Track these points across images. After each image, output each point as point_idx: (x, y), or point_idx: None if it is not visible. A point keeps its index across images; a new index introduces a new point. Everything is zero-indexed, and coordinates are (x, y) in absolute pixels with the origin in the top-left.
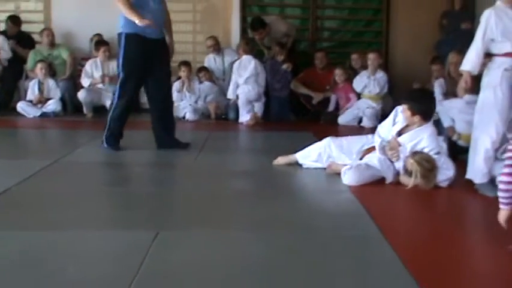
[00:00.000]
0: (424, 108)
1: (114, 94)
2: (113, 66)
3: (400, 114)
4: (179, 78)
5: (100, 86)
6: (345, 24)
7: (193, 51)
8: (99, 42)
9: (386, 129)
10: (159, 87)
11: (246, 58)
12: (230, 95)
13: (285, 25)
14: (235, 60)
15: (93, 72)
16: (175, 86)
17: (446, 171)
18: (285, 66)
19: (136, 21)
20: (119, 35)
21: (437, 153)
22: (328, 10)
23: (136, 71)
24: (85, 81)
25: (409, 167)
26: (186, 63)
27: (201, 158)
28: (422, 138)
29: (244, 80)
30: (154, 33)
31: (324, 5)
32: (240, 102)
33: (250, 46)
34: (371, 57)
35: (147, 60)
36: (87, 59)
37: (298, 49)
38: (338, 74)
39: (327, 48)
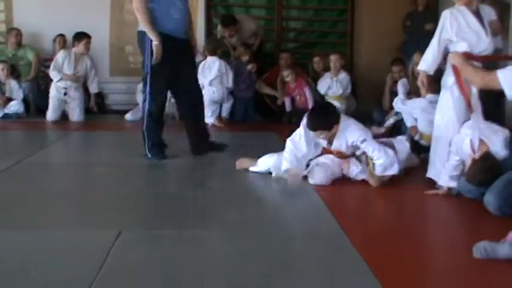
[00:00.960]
0: (330, 120)
1: (144, 101)
2: (87, 64)
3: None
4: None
5: (68, 84)
6: (310, 25)
7: None
8: (81, 34)
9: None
10: (189, 91)
11: (211, 59)
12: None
13: (254, 23)
14: (201, 62)
15: (64, 65)
16: (140, 87)
17: (377, 160)
18: (249, 67)
19: (154, 41)
20: (141, 33)
21: (363, 140)
22: (293, 11)
23: (164, 72)
24: (54, 75)
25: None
26: None
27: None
28: (348, 136)
29: (209, 81)
30: (180, 33)
31: (289, 5)
32: (205, 104)
33: (213, 46)
34: (333, 58)
35: (173, 60)
36: (50, 60)
37: (264, 50)
38: (285, 74)
39: (292, 49)
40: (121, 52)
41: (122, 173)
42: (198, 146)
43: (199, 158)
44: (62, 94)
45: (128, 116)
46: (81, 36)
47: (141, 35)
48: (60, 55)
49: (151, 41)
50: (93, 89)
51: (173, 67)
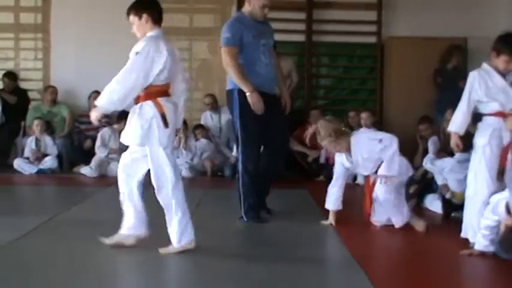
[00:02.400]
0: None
1: (238, 160)
2: None
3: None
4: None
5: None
6: (340, 82)
7: (190, 108)
8: (123, 113)
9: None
10: (276, 149)
11: None
12: (235, 152)
13: (289, 63)
14: None
15: (110, 141)
16: None
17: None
18: None
19: (247, 93)
20: (229, 92)
21: (380, 140)
22: (323, 68)
23: (257, 130)
24: (102, 150)
25: None
26: (182, 121)
27: (195, 216)
28: (361, 147)
29: None
30: (267, 88)
31: (319, 63)
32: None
33: None
34: (363, 116)
35: (262, 116)
36: (85, 116)
37: (294, 107)
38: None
39: (322, 106)
40: None
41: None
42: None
43: (219, 215)
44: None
45: None
46: (122, 117)
47: (230, 93)
48: (105, 132)
49: (239, 97)
50: None
51: (262, 123)
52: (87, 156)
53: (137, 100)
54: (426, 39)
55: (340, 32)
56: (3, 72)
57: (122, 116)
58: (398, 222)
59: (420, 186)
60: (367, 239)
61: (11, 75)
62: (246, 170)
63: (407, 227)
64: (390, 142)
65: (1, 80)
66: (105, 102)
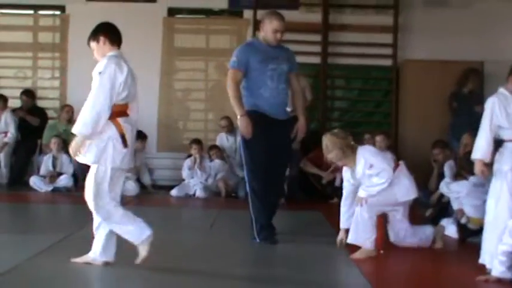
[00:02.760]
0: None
1: (246, 181)
2: (143, 159)
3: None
4: (190, 155)
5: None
6: (355, 104)
7: (205, 129)
8: (140, 133)
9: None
10: (276, 169)
11: None
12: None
13: (303, 81)
14: None
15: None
16: (187, 163)
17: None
18: (293, 146)
19: (238, 116)
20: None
21: (371, 166)
22: (338, 90)
23: (261, 151)
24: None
25: None
26: (197, 142)
27: (208, 237)
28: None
29: None
30: (272, 112)
31: (334, 85)
32: None
33: None
34: (378, 139)
35: (265, 138)
36: None
37: (308, 128)
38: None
39: (336, 128)
40: (168, 128)
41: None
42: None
43: (232, 236)
44: None
45: (174, 192)
46: (137, 136)
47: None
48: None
49: None
50: (146, 181)
51: (265, 144)
52: None
53: None
54: (442, 63)
55: (356, 54)
56: (21, 90)
57: (137, 136)
58: (413, 243)
59: (435, 210)
60: (381, 262)
61: (29, 94)
62: (253, 190)
63: (423, 250)
64: (380, 172)
65: (19, 98)
66: (80, 128)
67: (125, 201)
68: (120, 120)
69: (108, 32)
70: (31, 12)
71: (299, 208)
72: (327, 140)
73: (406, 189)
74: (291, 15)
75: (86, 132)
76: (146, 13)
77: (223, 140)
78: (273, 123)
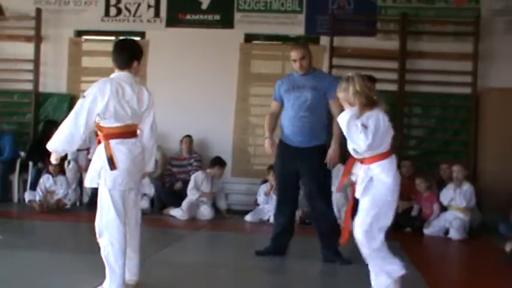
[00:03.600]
0: None
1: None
2: (220, 184)
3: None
4: (265, 181)
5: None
6: (432, 133)
7: None
8: (216, 159)
9: None
10: (310, 201)
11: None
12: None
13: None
14: None
15: (203, 184)
16: (262, 188)
17: None
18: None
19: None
20: (323, 147)
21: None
22: (415, 118)
23: (278, 176)
24: (193, 193)
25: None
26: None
27: (281, 263)
28: None
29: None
30: (292, 140)
31: (411, 113)
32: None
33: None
34: (455, 169)
35: (284, 166)
36: (176, 159)
37: None
38: (418, 183)
39: (413, 157)
40: (243, 153)
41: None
42: (322, 251)
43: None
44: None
45: (248, 217)
46: (216, 162)
47: None
48: (199, 176)
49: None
50: (221, 206)
51: (280, 170)
52: (177, 198)
53: (98, 142)
54: None
55: (434, 82)
56: None
57: (215, 161)
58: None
59: None
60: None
61: None
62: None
63: None
64: (367, 134)
65: None
66: (53, 143)
67: (200, 226)
68: (112, 142)
69: (117, 56)
70: (113, 38)
71: None
72: (353, 77)
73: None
74: (368, 42)
75: (59, 150)
76: (223, 39)
77: None
78: (292, 150)
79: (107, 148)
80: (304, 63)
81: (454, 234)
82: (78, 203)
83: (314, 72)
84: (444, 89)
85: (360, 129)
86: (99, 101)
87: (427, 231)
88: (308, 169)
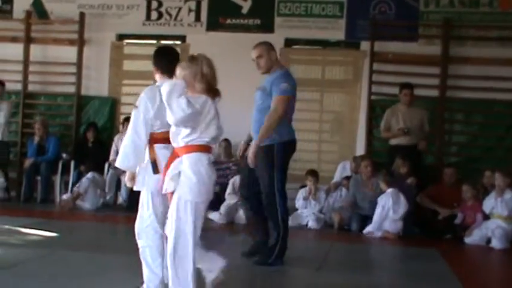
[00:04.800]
0: None
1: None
2: None
3: None
4: (303, 186)
5: None
6: (475, 139)
7: (318, 159)
8: (312, 172)
9: None
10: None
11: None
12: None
13: (419, 113)
14: None
15: None
16: (301, 193)
17: None
18: (409, 180)
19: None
20: (270, 147)
21: None
22: (457, 124)
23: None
24: (231, 198)
25: None
26: (313, 173)
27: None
28: None
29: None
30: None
31: (452, 119)
32: (377, 215)
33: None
34: (497, 177)
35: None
36: (214, 162)
37: (423, 162)
38: (465, 190)
39: (455, 164)
40: None
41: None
42: None
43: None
44: None
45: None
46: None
47: (270, 148)
48: (237, 180)
49: (284, 150)
50: None
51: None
52: (215, 201)
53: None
54: None
55: (477, 88)
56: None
57: None
58: None
59: None
60: None
61: None
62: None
63: None
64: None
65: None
66: (124, 161)
67: (238, 230)
68: (156, 146)
69: (160, 63)
70: (154, 42)
71: (415, 245)
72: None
73: None
74: (409, 47)
75: (130, 165)
76: None
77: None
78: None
79: (151, 152)
80: (261, 62)
81: (496, 244)
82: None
83: (275, 72)
84: (487, 95)
85: (186, 101)
86: (150, 108)
87: (467, 240)
88: (259, 168)
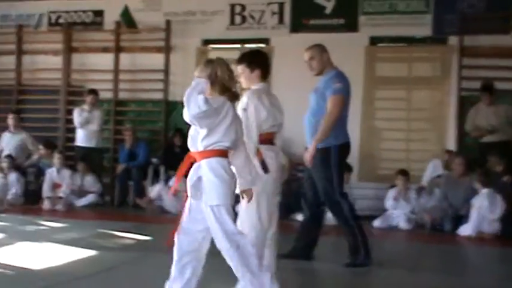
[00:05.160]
0: None
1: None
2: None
3: None
4: (393, 186)
5: None
6: None
7: (407, 159)
8: (403, 171)
9: None
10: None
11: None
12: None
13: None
14: None
15: None
16: (391, 193)
17: None
18: (505, 178)
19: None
20: (326, 150)
21: None
22: None
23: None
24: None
25: None
26: (403, 172)
27: (413, 274)
28: None
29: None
30: (308, 142)
31: None
32: (474, 216)
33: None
34: None
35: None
36: (302, 164)
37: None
38: None
39: None
40: (370, 158)
41: None
42: None
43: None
44: None
45: (376, 223)
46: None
47: (326, 152)
48: None
49: (339, 153)
50: None
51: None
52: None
53: None
54: None
55: None
56: None
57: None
58: None
59: None
60: None
61: None
62: (351, 217)
63: None
64: None
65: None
66: None
67: (326, 231)
68: (262, 147)
69: (265, 68)
70: (238, 46)
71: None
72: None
73: None
74: (500, 40)
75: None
76: (348, 42)
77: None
78: None
79: (258, 153)
80: (313, 64)
81: None
82: None
83: (328, 72)
84: None
85: (203, 98)
86: (261, 110)
87: None
88: (313, 171)
